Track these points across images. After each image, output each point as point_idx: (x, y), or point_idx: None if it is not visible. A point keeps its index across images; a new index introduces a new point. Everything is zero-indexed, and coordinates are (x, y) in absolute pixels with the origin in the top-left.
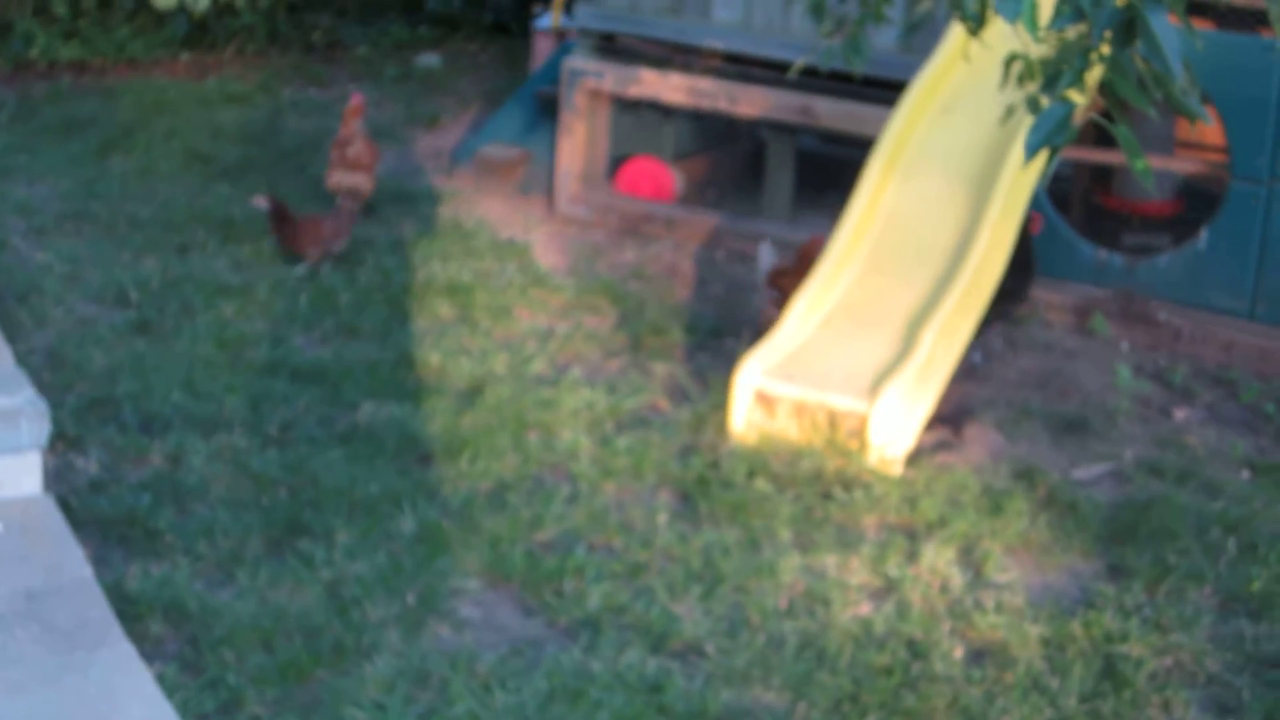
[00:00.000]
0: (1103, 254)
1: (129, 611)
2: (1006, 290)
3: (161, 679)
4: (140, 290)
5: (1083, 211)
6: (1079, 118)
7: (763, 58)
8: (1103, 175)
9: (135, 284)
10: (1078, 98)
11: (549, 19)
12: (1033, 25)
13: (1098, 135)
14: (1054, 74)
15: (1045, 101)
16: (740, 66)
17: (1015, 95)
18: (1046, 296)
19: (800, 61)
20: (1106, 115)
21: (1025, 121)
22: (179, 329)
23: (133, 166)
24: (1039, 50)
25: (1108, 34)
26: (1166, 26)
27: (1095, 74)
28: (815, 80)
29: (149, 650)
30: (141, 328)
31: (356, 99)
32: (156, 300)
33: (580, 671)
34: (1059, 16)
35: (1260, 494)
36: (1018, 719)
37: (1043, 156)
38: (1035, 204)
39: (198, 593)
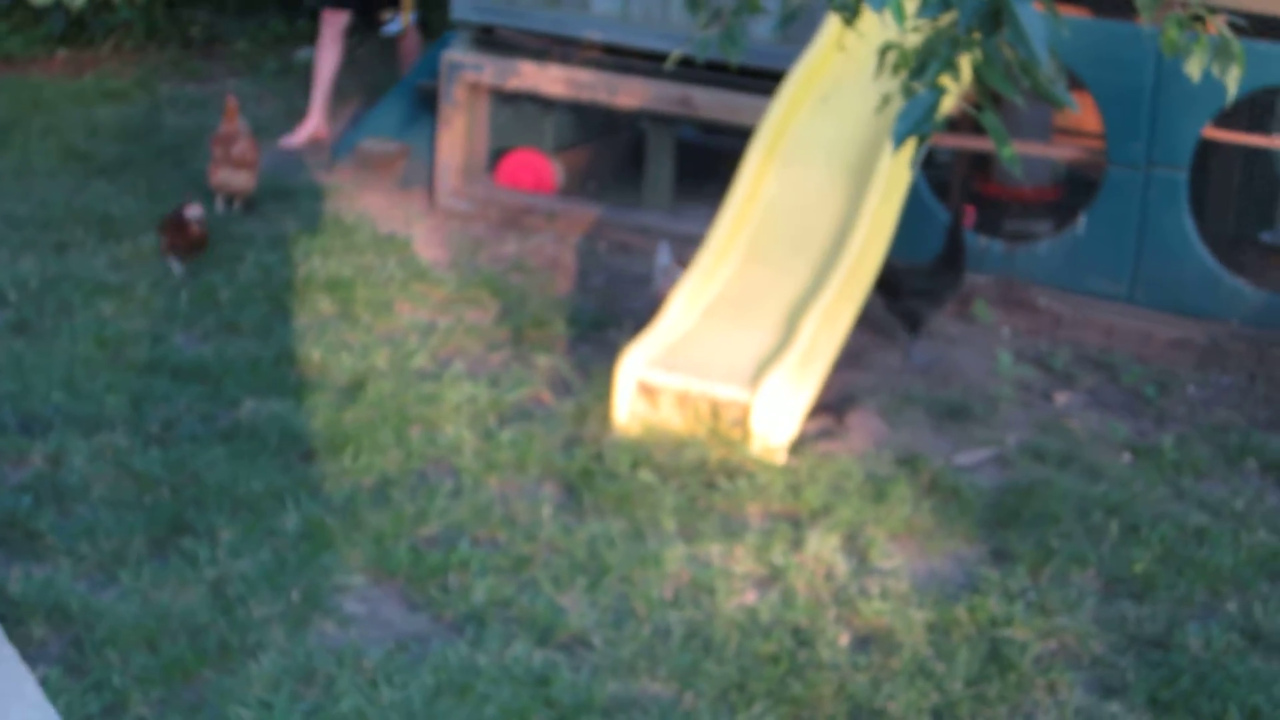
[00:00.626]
0: (983, 241)
1: (10, 614)
2: (943, 283)
3: (45, 682)
4: (18, 290)
5: (962, 199)
6: (953, 106)
7: (641, 49)
8: (982, 163)
9: (13, 283)
10: (952, 86)
11: (398, 23)
12: (899, 14)
13: (976, 123)
14: (922, 62)
15: (919, 88)
16: (619, 58)
17: (891, 84)
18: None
19: (677, 52)
20: (977, 104)
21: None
22: (58, 328)
23: (9, 165)
24: (913, 39)
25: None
26: (1032, 14)
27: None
28: (695, 71)
29: (32, 653)
30: (19, 327)
31: (232, 99)
32: (35, 299)
33: (466, 665)
34: (927, 6)
35: (1141, 476)
36: (903, 705)
37: (911, 144)
38: (914, 192)
39: (80, 594)
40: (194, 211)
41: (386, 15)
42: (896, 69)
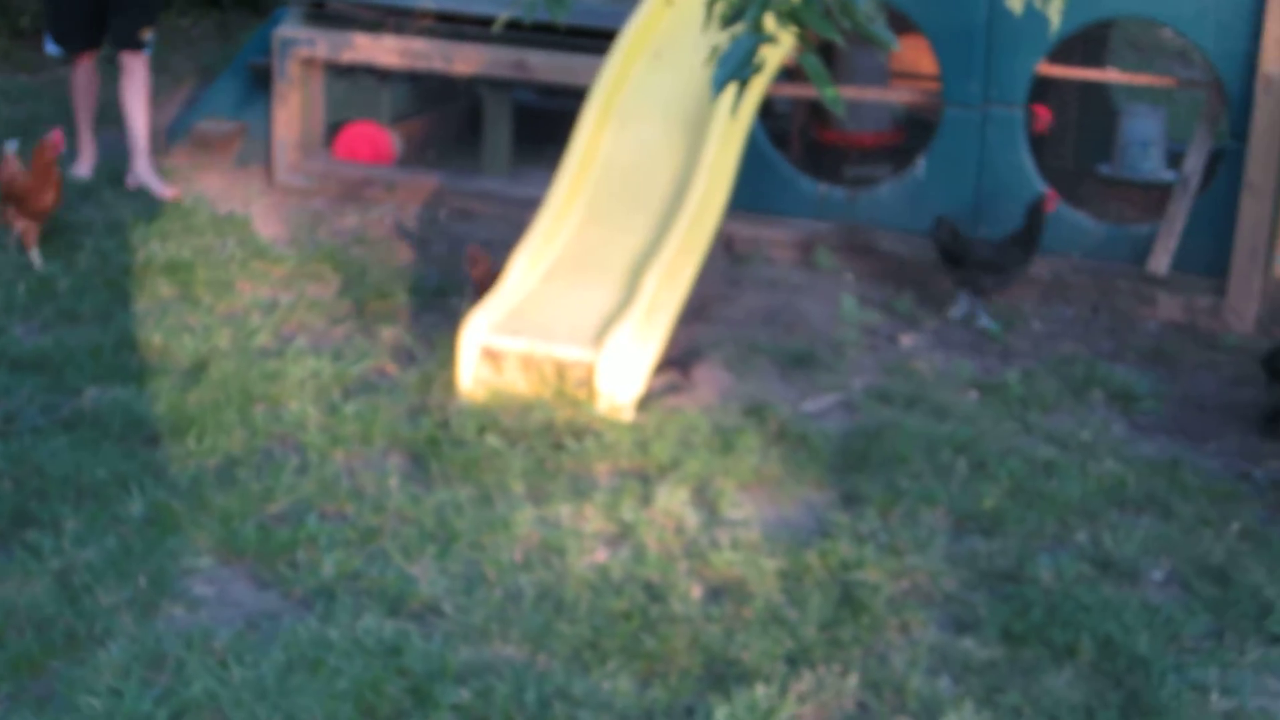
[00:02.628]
0: (823, 188)
1: None
2: (1011, 259)
3: None
4: None
5: (802, 147)
6: (789, 55)
7: (474, 15)
8: (821, 111)
9: None
10: (781, 33)
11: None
12: None
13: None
14: (740, 7)
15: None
16: (453, 25)
17: (720, 36)
18: (769, 234)
19: (504, 16)
20: (822, 54)
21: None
22: None
23: None
24: None
25: None
26: None
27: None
28: (529, 34)
29: None
30: None
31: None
32: None
33: (318, 640)
34: None
35: (988, 413)
36: (757, 653)
37: (732, 90)
38: (752, 143)
39: None
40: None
41: (146, 35)
42: (725, 21)
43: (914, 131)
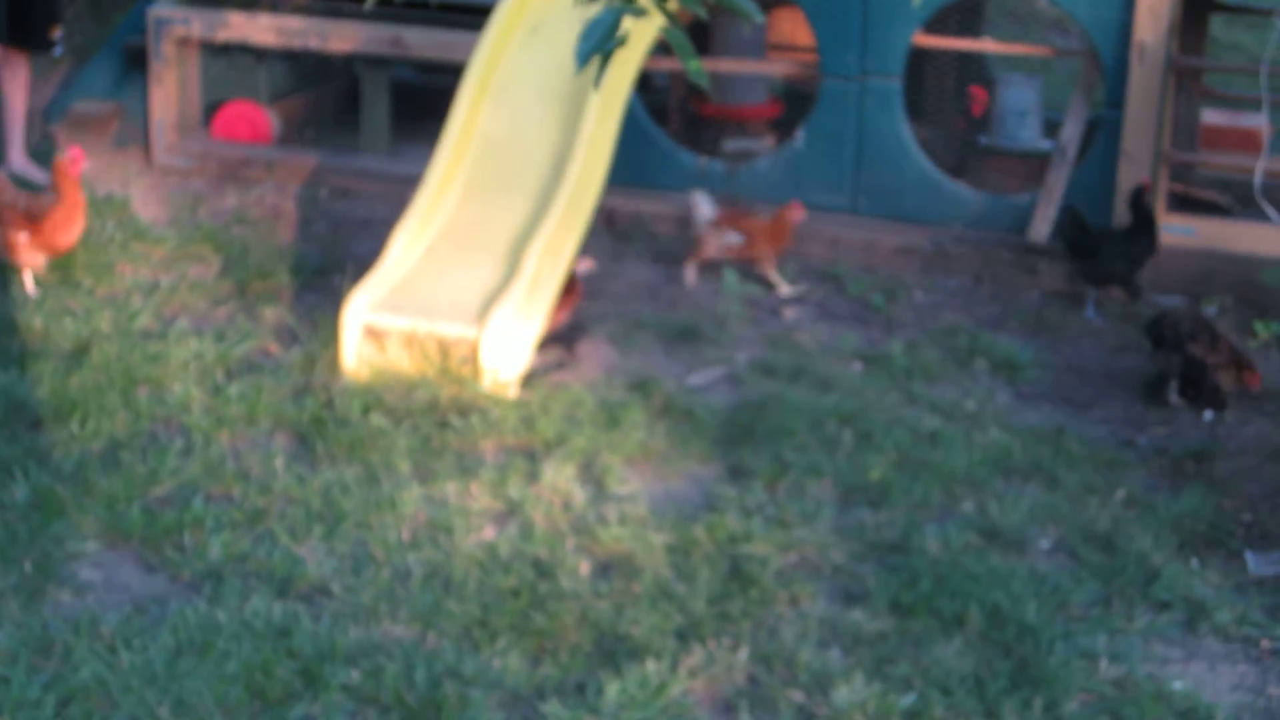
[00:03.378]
0: (703, 161)
1: None
2: (1139, 247)
3: None
4: None
5: (681, 121)
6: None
7: None
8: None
9: None
10: (650, 7)
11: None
12: None
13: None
14: None
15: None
16: (330, 3)
17: (592, 10)
18: (650, 208)
19: None
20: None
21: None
22: None
23: None
24: None
25: None
26: None
27: None
28: (407, 11)
29: None
30: None
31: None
32: None
33: (206, 623)
34: None
35: (872, 384)
36: (647, 628)
37: (595, 63)
38: (631, 117)
39: None
40: None
41: (55, 34)
42: None
43: (793, 104)
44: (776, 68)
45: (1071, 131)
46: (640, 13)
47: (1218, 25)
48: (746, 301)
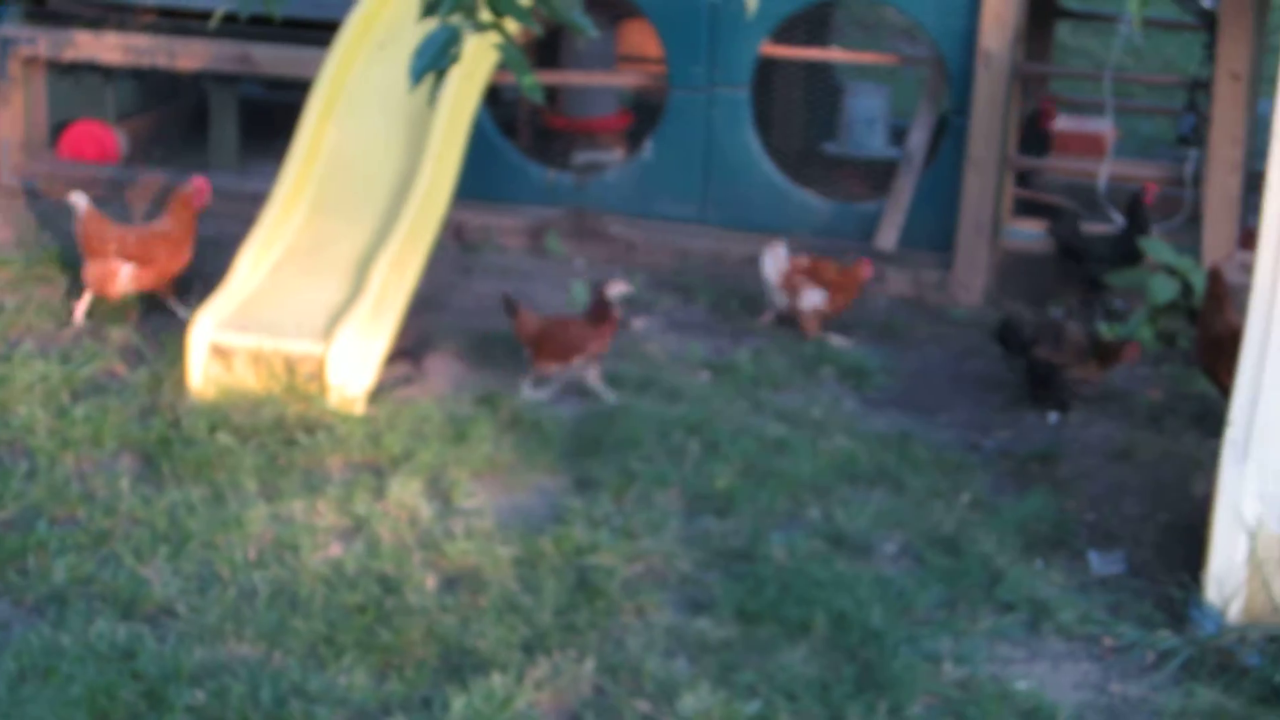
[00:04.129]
0: (552, 174)
1: None
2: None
3: None
4: None
5: (531, 134)
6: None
7: (197, 10)
8: (549, 97)
9: None
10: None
11: None
12: None
13: (540, 57)
14: None
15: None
16: (178, 21)
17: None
18: (499, 221)
19: (220, 11)
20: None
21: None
22: None
23: None
24: None
25: None
26: None
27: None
28: (256, 28)
29: None
30: None
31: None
32: None
33: (50, 647)
34: None
35: (719, 394)
36: (493, 641)
37: (430, 80)
38: (480, 131)
39: None
40: None
41: None
42: (424, 10)
43: (643, 115)
44: (625, 79)
45: (918, 139)
46: (482, 27)
47: (1065, 31)
48: None
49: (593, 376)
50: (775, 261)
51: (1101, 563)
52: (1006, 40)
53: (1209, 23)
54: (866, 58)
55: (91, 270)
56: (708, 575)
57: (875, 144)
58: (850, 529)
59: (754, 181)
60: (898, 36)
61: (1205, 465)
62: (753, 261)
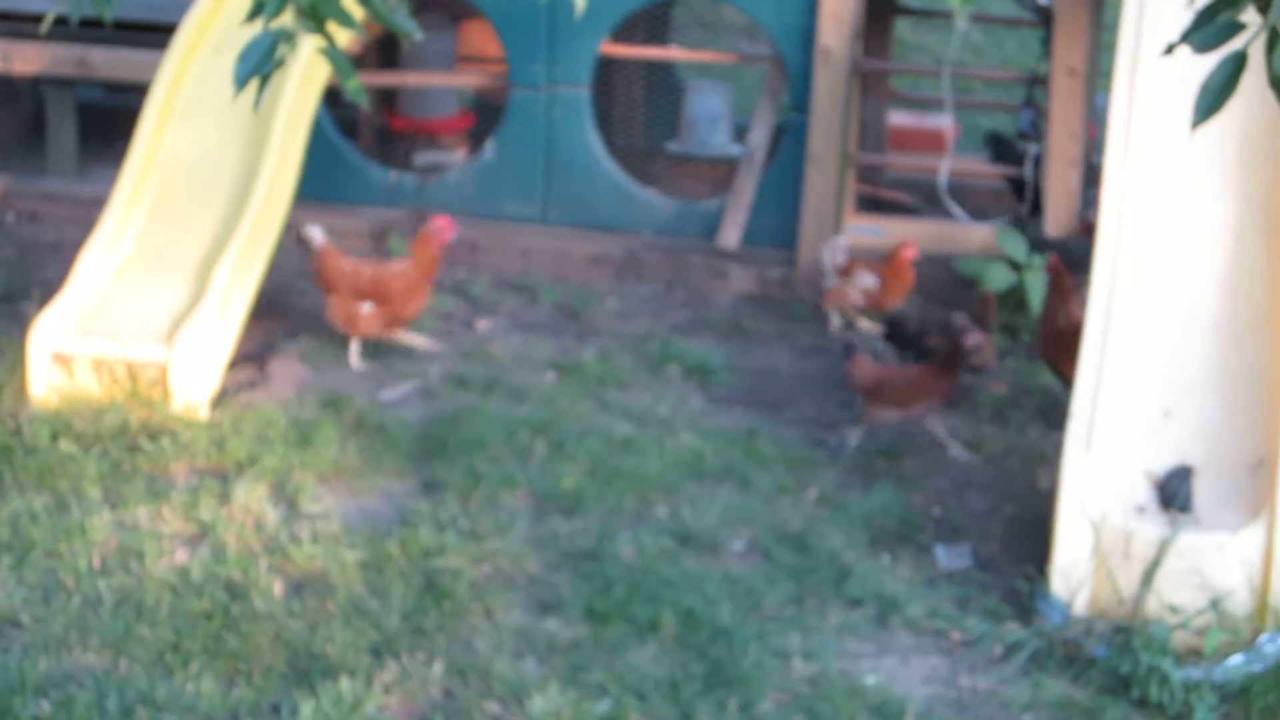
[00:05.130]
0: (394, 175)
1: None
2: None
3: None
4: None
5: (372, 135)
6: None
7: (31, 13)
8: (390, 98)
9: None
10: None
11: None
12: None
13: (381, 58)
14: (260, 2)
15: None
16: (12, 24)
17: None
18: (342, 223)
19: (51, 14)
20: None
21: (290, 56)
22: None
23: None
24: None
25: None
26: None
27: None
28: (93, 31)
29: None
30: None
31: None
32: None
33: None
34: None
35: (565, 394)
36: (341, 646)
37: (254, 85)
38: (320, 133)
39: None
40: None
41: None
42: (249, 14)
43: (484, 115)
44: (465, 80)
45: (759, 136)
46: (313, 29)
47: (905, 28)
48: (439, 314)
49: (935, 425)
50: (834, 253)
51: (948, 557)
52: (844, 37)
53: (1045, 19)
54: (706, 56)
55: (334, 308)
56: (556, 576)
57: (718, 142)
58: (698, 527)
59: (596, 181)
60: (740, 35)
61: (1050, 458)
62: (598, 261)
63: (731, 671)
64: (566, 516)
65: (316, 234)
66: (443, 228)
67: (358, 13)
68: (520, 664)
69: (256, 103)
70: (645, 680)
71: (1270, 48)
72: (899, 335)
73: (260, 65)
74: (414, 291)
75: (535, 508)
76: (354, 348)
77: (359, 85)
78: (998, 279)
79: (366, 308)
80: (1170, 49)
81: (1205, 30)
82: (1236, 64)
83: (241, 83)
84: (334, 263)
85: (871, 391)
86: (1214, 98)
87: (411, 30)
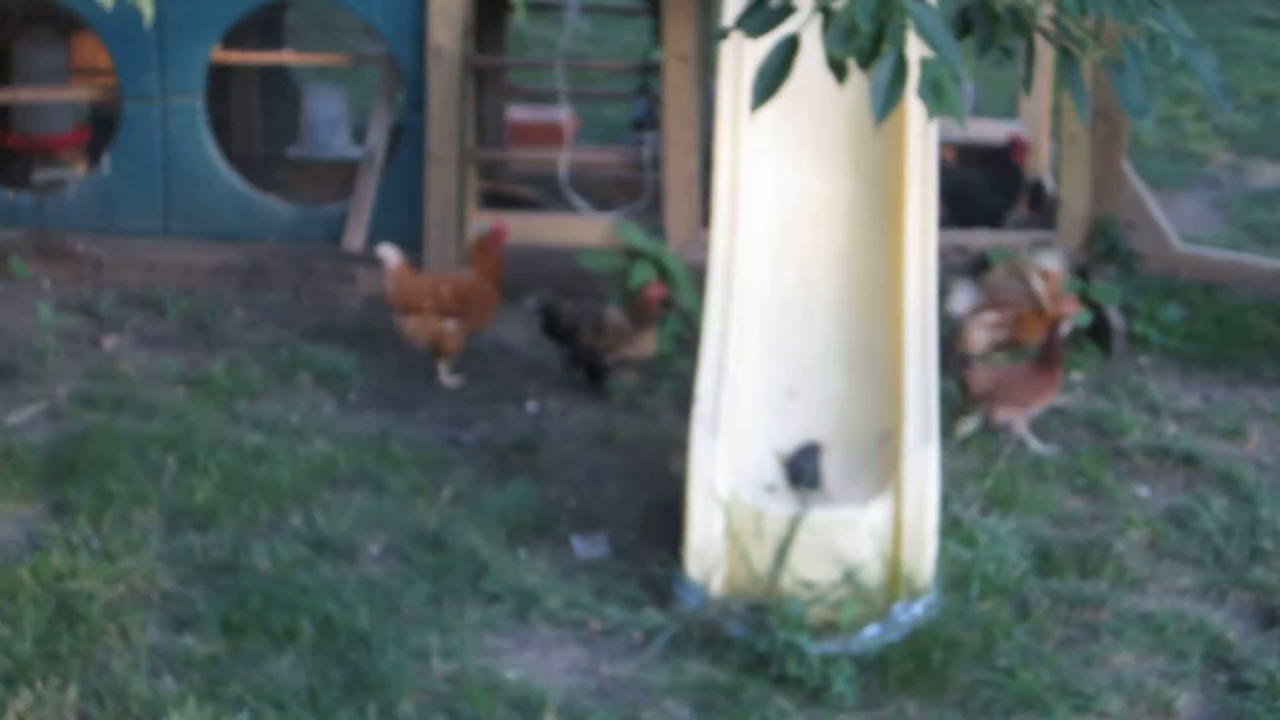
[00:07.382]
0: (11, 195)
1: None
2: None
3: None
4: None
5: None
6: None
7: None
8: (2, 115)
9: None
10: None
11: None
12: None
13: None
14: None
15: None
16: None
17: None
18: None
19: None
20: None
21: None
22: None
23: None
24: None
25: None
26: None
27: None
28: None
29: None
30: None
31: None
32: None
33: None
34: None
35: (195, 408)
36: None
37: None
38: None
39: None
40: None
41: None
42: None
43: (101, 129)
44: (77, 94)
45: (376, 138)
46: None
47: (527, 22)
48: (63, 334)
49: (1020, 425)
50: (964, 298)
51: (585, 547)
52: (455, 34)
53: (654, 7)
54: (319, 59)
55: (418, 328)
56: (191, 591)
57: (338, 145)
58: (333, 533)
59: (215, 190)
60: (361, 36)
61: (682, 444)
62: (224, 271)
63: (370, 676)
64: (200, 531)
65: (391, 254)
66: (499, 232)
67: None
68: (157, 682)
69: None
70: (284, 690)
71: (825, 29)
72: (553, 329)
73: None
74: (489, 301)
75: (168, 524)
76: (443, 367)
77: None
78: (640, 274)
79: (451, 324)
80: (723, 34)
81: (758, 15)
82: (789, 48)
83: None
84: (414, 282)
85: (993, 396)
86: (770, 81)
87: None
